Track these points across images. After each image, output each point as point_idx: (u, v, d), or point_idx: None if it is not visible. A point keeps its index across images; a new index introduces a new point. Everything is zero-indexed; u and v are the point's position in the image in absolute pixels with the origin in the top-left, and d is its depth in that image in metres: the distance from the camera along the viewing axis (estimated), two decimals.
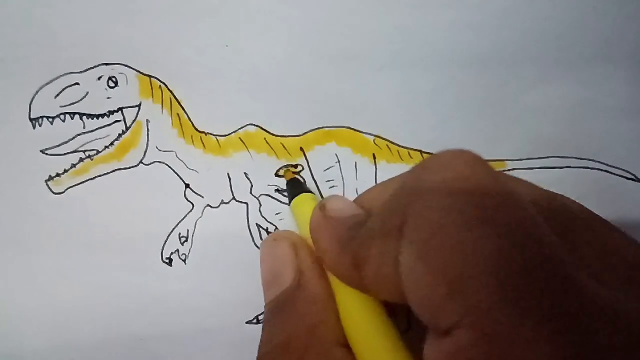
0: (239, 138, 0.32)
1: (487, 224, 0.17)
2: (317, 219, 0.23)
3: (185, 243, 0.32)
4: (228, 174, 0.32)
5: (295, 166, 0.32)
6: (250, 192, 0.32)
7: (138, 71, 0.31)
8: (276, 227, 0.32)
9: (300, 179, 0.32)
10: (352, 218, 0.22)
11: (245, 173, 0.32)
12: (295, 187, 0.30)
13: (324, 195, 0.32)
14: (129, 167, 0.32)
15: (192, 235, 0.32)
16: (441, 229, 0.17)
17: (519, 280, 0.16)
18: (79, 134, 0.31)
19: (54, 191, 0.31)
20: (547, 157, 0.32)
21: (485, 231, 0.16)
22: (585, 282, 0.16)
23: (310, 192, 0.29)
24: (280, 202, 0.32)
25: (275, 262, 0.24)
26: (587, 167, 0.32)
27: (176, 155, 0.32)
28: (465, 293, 0.16)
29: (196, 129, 0.32)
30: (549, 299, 0.15)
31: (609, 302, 0.16)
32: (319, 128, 0.32)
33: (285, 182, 0.31)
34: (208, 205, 0.32)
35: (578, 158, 0.32)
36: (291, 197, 0.29)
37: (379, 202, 0.22)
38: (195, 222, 0.32)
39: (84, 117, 0.31)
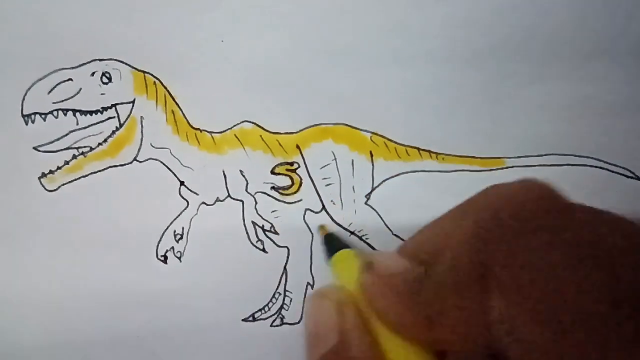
0: (235, 135, 0.31)
1: (587, 260, 0.16)
2: (368, 280, 0.22)
3: (180, 240, 0.32)
4: (223, 171, 0.32)
5: (292, 164, 0.32)
6: (246, 190, 0.32)
7: (132, 67, 0.31)
8: (272, 225, 0.32)
9: (332, 231, 0.31)
10: (407, 273, 0.21)
11: (240, 170, 0.32)
12: (332, 243, 0.29)
13: (321, 196, 0.32)
14: (123, 164, 0.31)
15: (188, 233, 0.32)
16: (540, 272, 0.16)
17: (631, 321, 0.15)
18: (72, 131, 0.31)
19: (48, 188, 0.31)
20: (546, 155, 0.32)
21: (588, 267, 0.15)
22: None
23: (348, 247, 0.28)
24: (276, 199, 0.32)
25: (320, 321, 0.23)
26: (587, 165, 0.32)
27: (171, 153, 0.31)
28: (574, 337, 0.15)
29: (191, 126, 0.31)
30: None
31: None
32: (315, 125, 0.31)
33: (322, 238, 0.31)
34: (203, 202, 0.32)
35: (577, 156, 0.32)
36: (330, 254, 0.28)
37: (431, 248, 0.21)
38: (191, 220, 0.32)
39: (78, 114, 0.31)
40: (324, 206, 0.32)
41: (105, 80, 0.30)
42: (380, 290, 0.21)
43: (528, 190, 0.18)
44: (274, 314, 0.33)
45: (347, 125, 0.31)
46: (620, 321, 0.15)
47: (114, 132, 0.31)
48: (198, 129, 0.31)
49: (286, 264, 0.32)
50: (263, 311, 0.33)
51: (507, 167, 0.32)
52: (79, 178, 0.31)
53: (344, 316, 0.22)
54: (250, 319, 0.33)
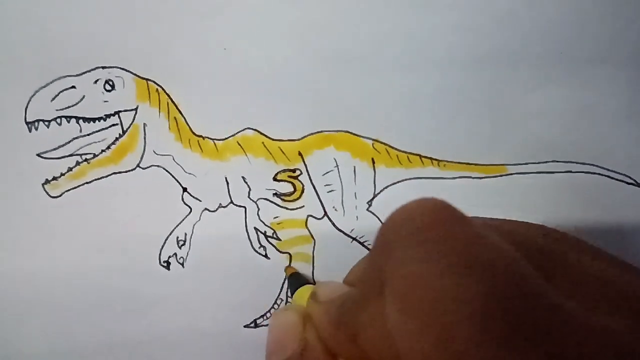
0: (237, 142, 0.31)
1: (460, 270, 0.16)
2: (312, 308, 0.24)
3: (183, 246, 0.32)
4: (226, 178, 0.32)
5: (294, 170, 0.32)
6: (249, 196, 0.32)
7: (135, 74, 0.31)
8: (274, 231, 0.32)
9: (298, 270, 0.32)
10: (340, 297, 0.22)
11: (243, 177, 0.32)
12: (295, 281, 0.31)
13: (323, 202, 0.32)
14: (126, 171, 0.31)
15: (190, 239, 0.32)
16: (418, 280, 0.17)
17: (503, 321, 0.15)
18: (75, 138, 0.31)
19: (51, 195, 0.31)
20: (548, 162, 0.32)
21: (459, 277, 0.16)
22: (571, 310, 0.16)
23: (310, 283, 0.30)
24: (279, 206, 0.32)
25: (281, 330, 0.24)
26: (588, 172, 0.32)
27: (173, 159, 0.31)
28: (452, 341, 0.16)
29: (194, 133, 0.31)
30: (535, 332, 0.15)
31: (598, 326, 0.16)
32: (317, 132, 0.32)
33: (286, 277, 0.32)
34: (206, 209, 0.32)
35: (579, 163, 0.32)
36: (292, 291, 0.30)
37: (359, 273, 0.23)
38: (193, 226, 0.32)
39: (81, 121, 0.31)
40: (325, 212, 0.32)
41: (108, 87, 0.31)
42: (319, 316, 0.23)
43: (421, 207, 0.19)
44: None
45: (349, 132, 0.32)
46: (491, 327, 0.15)
47: (117, 139, 0.31)
48: (201, 136, 0.31)
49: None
50: (265, 317, 0.33)
51: (508, 174, 0.32)
52: (83, 184, 0.31)
53: (306, 329, 0.23)
54: (252, 325, 0.33)
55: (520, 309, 0.16)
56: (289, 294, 0.32)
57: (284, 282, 0.33)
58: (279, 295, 0.33)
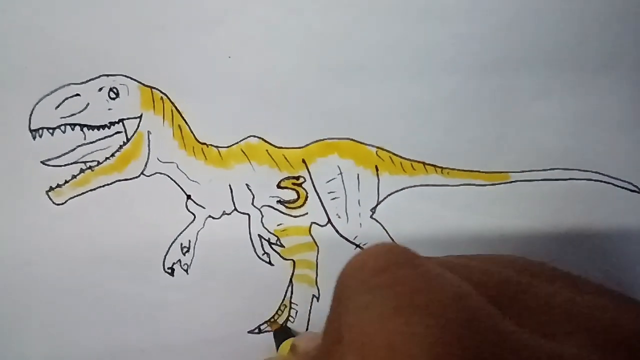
0: (241, 150, 0.32)
1: (408, 311, 0.16)
2: (289, 358, 0.25)
3: (187, 253, 0.32)
4: (230, 185, 0.32)
5: (298, 178, 0.32)
6: (252, 203, 0.32)
7: (139, 82, 0.31)
8: (278, 238, 0.32)
9: (284, 325, 0.33)
10: (314, 349, 0.22)
11: (247, 184, 0.32)
12: (280, 336, 0.32)
13: (327, 209, 0.32)
14: (130, 178, 0.32)
15: (194, 246, 0.32)
16: (369, 326, 0.17)
17: (454, 356, 0.16)
18: (79, 145, 0.31)
19: (55, 202, 0.31)
20: (551, 169, 0.32)
21: (407, 317, 0.16)
22: (522, 338, 0.16)
23: (294, 336, 0.31)
24: (283, 213, 0.32)
25: None
26: (591, 180, 0.32)
27: (177, 167, 0.31)
28: None
29: (198, 141, 0.31)
30: None
31: (552, 352, 0.16)
32: (321, 140, 0.32)
33: (273, 333, 0.33)
34: (210, 216, 0.32)
35: (582, 170, 0.32)
36: (278, 345, 0.31)
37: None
38: (197, 233, 0.32)
39: (85, 129, 0.31)
40: (329, 220, 0.32)
41: (112, 95, 0.31)
42: None
43: (372, 254, 0.19)
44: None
45: (352, 140, 0.32)
46: None
47: (121, 146, 0.31)
48: (205, 144, 0.31)
49: (292, 276, 0.33)
50: (269, 323, 0.33)
51: (512, 182, 0.32)
52: (87, 192, 0.31)
53: None
54: (256, 331, 0.33)
55: (471, 342, 0.16)
56: (275, 347, 0.32)
57: (287, 289, 0.33)
58: (282, 301, 0.33)
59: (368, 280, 0.18)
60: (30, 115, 0.31)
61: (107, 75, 0.31)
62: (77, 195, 0.31)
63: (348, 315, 0.18)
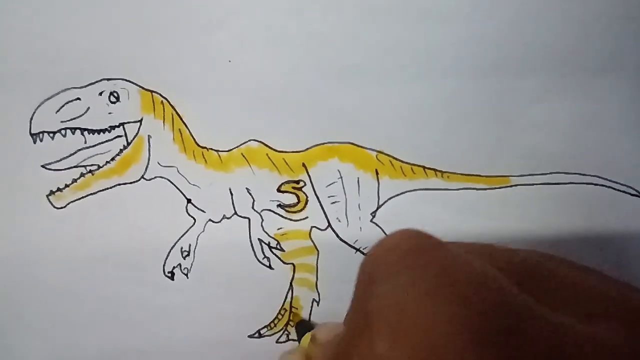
0: (241, 154, 0.32)
1: (437, 292, 0.17)
2: (311, 350, 0.25)
3: (187, 257, 0.32)
4: (230, 189, 0.32)
5: (298, 182, 0.32)
6: (252, 207, 0.32)
7: (140, 86, 0.31)
8: (278, 242, 0.32)
9: (304, 319, 0.33)
10: (335, 338, 0.22)
11: (247, 188, 0.32)
12: (301, 329, 0.32)
13: (327, 213, 0.32)
14: (131, 182, 0.32)
15: (194, 250, 0.32)
16: (399, 309, 0.17)
17: (489, 335, 0.16)
18: (80, 149, 0.31)
19: (56, 206, 0.31)
20: (551, 173, 0.32)
21: (437, 299, 0.17)
22: (557, 320, 0.17)
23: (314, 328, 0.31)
24: (283, 217, 0.32)
25: None
26: (592, 184, 0.32)
27: (178, 171, 0.32)
28: None
29: (198, 145, 0.31)
30: (525, 343, 0.16)
31: (582, 332, 0.17)
32: (321, 144, 0.32)
33: (295, 327, 0.33)
34: (210, 220, 0.32)
35: (582, 174, 0.32)
36: (300, 337, 0.31)
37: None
38: (197, 237, 0.32)
39: (85, 132, 0.31)
40: (329, 224, 0.32)
41: (113, 99, 0.31)
42: (318, 357, 0.24)
43: (397, 239, 0.19)
44: (279, 331, 0.33)
45: (353, 144, 0.32)
46: (477, 342, 0.16)
47: (121, 150, 0.31)
48: (205, 148, 0.32)
49: (292, 280, 0.33)
50: (269, 327, 0.33)
51: (512, 185, 0.32)
52: (87, 196, 0.32)
53: None
54: (256, 335, 0.33)
55: (502, 322, 0.16)
56: (298, 340, 0.32)
57: (287, 293, 0.33)
58: (282, 305, 0.33)
59: (396, 264, 0.18)
60: (31, 119, 0.31)
61: (108, 79, 0.31)
62: (78, 199, 0.32)
63: (377, 299, 0.18)
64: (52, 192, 0.31)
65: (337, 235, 0.32)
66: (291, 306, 0.33)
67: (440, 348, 0.16)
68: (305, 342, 0.30)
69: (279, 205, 0.32)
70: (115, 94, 0.31)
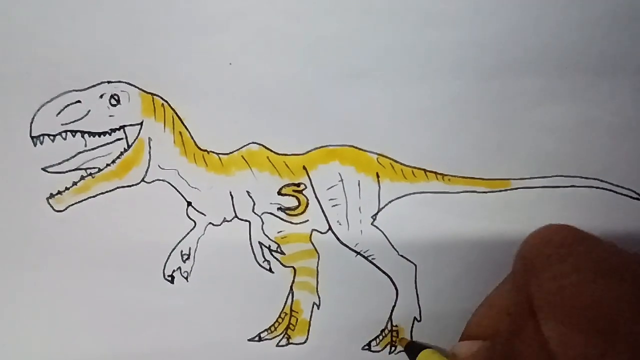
0: (242, 156, 0.32)
1: (606, 274, 0.19)
2: None
3: (187, 260, 0.32)
4: (230, 192, 0.32)
5: (298, 185, 0.32)
6: (253, 210, 0.32)
7: (140, 89, 0.31)
8: (278, 245, 0.32)
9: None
10: (485, 344, 0.25)
11: (247, 191, 0.32)
12: (413, 350, 0.31)
13: (328, 216, 0.32)
14: (131, 185, 0.32)
15: (194, 253, 0.32)
16: (573, 290, 0.19)
17: None
18: (80, 152, 0.31)
19: (56, 209, 0.31)
20: (552, 177, 0.32)
21: (608, 280, 0.18)
22: None
23: (428, 347, 0.31)
24: (283, 220, 0.32)
25: None
26: (593, 187, 0.32)
27: (178, 174, 0.31)
28: (619, 338, 0.17)
29: (198, 148, 0.31)
30: None
31: None
32: (322, 147, 0.32)
33: (404, 349, 0.32)
34: (210, 223, 0.32)
35: (583, 177, 0.32)
36: (413, 357, 0.31)
37: (487, 321, 0.26)
38: (198, 240, 0.32)
39: (86, 135, 0.31)
40: (330, 227, 0.32)
41: (113, 102, 0.31)
42: None
43: (553, 229, 0.22)
44: (280, 334, 0.33)
45: (353, 147, 0.32)
46: None
47: (122, 153, 0.31)
48: (205, 151, 0.31)
49: (292, 284, 0.33)
50: (269, 331, 0.33)
51: (513, 189, 0.32)
52: (87, 199, 0.31)
53: None
54: (257, 338, 0.33)
55: None
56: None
57: (287, 296, 0.33)
58: (283, 309, 0.33)
59: (558, 252, 0.20)
60: (31, 121, 0.31)
61: (108, 82, 0.31)
62: (78, 202, 0.31)
63: (543, 284, 0.20)
64: (52, 195, 0.31)
65: (338, 239, 0.32)
66: (291, 310, 0.33)
67: (616, 324, 0.17)
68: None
69: (279, 208, 0.32)
70: (116, 97, 0.31)
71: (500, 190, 0.32)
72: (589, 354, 0.18)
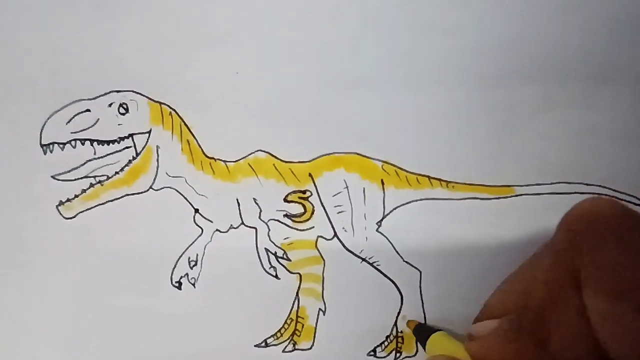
0: (248, 164, 0.32)
1: None
2: (474, 347, 0.25)
3: (194, 267, 0.32)
4: (237, 199, 0.32)
5: (304, 192, 0.32)
6: (259, 217, 0.32)
7: (149, 98, 0.31)
8: (284, 252, 0.33)
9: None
10: (507, 318, 0.24)
11: (254, 199, 0.32)
12: (422, 332, 0.31)
13: (333, 223, 0.32)
14: (139, 193, 0.32)
15: (202, 260, 0.32)
16: (622, 265, 0.19)
17: None
18: (89, 160, 0.32)
19: (65, 216, 0.32)
20: (555, 183, 0.32)
21: None
22: None
23: (436, 330, 0.31)
24: (289, 227, 0.32)
25: None
26: (595, 193, 0.32)
27: (186, 181, 0.32)
28: None
29: (206, 155, 0.32)
30: None
31: None
32: (327, 154, 0.32)
33: (412, 330, 0.32)
34: (217, 230, 0.32)
35: (586, 184, 0.32)
36: (423, 342, 0.31)
37: (507, 303, 0.25)
38: (205, 247, 0.32)
39: (95, 144, 0.31)
40: (335, 233, 0.33)
41: (122, 111, 0.31)
42: (486, 349, 0.24)
43: (600, 202, 0.22)
44: (286, 340, 0.33)
45: (358, 154, 0.32)
46: None
47: (130, 161, 0.32)
48: (212, 158, 0.32)
49: (298, 290, 0.33)
50: (275, 337, 0.33)
51: (516, 195, 0.32)
52: (96, 206, 0.32)
53: None
54: (263, 344, 0.33)
55: None
56: (420, 345, 0.32)
57: (293, 302, 0.33)
58: (289, 315, 0.33)
59: (603, 227, 0.20)
60: (41, 130, 0.31)
61: (117, 91, 0.31)
62: (87, 210, 0.32)
63: (594, 257, 0.20)
64: (61, 203, 0.32)
65: (343, 245, 0.33)
66: (297, 316, 0.33)
67: None
68: (434, 346, 0.30)
69: (285, 215, 0.32)
70: (125, 106, 0.31)
71: (504, 197, 0.32)
72: (634, 332, 0.18)
